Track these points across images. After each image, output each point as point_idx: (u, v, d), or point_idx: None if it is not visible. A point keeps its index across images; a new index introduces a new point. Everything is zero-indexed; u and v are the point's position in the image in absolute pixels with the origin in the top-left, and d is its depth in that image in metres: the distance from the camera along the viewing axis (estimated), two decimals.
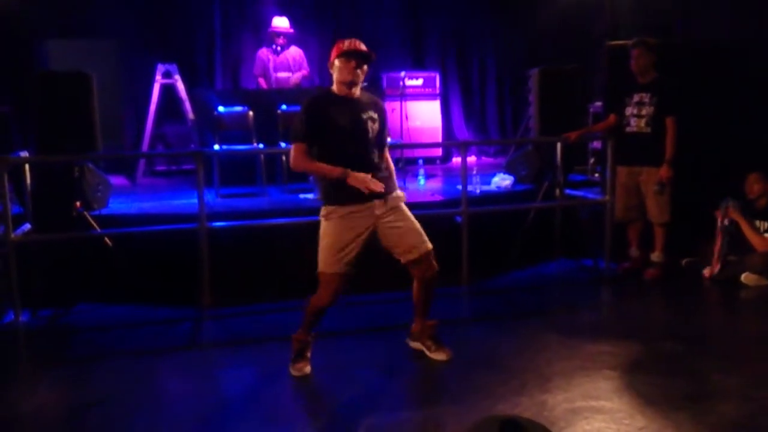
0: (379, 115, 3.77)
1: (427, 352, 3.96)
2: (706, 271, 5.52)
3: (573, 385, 3.57)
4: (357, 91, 3.71)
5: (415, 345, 4.05)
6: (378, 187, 3.55)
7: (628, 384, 3.60)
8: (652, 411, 3.27)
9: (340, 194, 3.62)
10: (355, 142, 3.64)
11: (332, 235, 3.64)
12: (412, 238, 3.72)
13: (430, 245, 3.76)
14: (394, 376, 3.81)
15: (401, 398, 3.56)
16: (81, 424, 3.32)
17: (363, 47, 3.66)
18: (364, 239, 3.67)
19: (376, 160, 3.73)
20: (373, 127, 3.70)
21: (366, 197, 3.59)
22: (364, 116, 3.69)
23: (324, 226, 3.70)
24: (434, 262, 3.80)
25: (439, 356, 3.93)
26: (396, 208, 3.74)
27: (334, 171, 3.56)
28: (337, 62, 3.65)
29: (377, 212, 3.66)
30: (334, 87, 3.72)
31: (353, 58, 3.61)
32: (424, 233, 3.78)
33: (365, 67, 3.67)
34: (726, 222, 5.47)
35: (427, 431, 3.20)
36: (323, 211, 3.72)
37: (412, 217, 3.80)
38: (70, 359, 4.27)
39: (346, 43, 3.64)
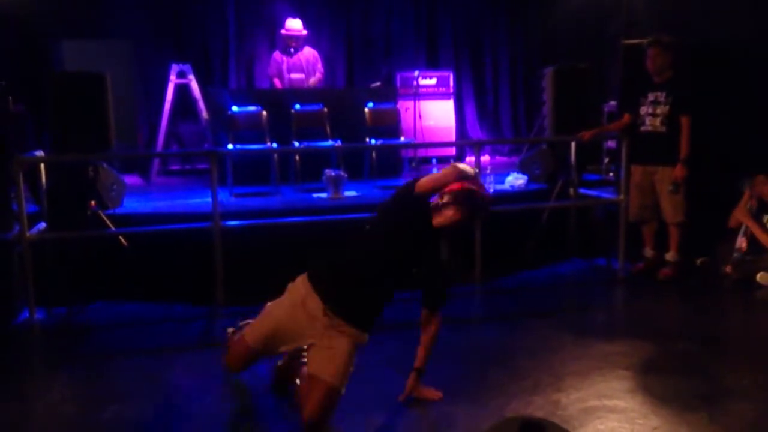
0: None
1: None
2: (728, 268, 5.48)
3: (587, 385, 3.56)
4: None
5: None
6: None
7: (642, 384, 3.58)
8: (666, 411, 3.25)
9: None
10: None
11: None
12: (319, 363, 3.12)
13: (326, 386, 3.07)
14: (408, 374, 3.80)
15: (414, 396, 3.55)
16: (96, 421, 3.34)
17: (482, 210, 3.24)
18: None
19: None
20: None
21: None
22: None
23: None
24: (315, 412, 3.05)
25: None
26: (336, 333, 3.15)
27: None
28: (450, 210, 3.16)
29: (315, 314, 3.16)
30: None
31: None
32: (335, 373, 3.07)
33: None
34: (753, 203, 5.49)
35: (440, 430, 3.20)
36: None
37: (339, 356, 3.11)
38: (85, 357, 4.29)
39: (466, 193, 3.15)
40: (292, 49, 7.79)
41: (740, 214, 5.52)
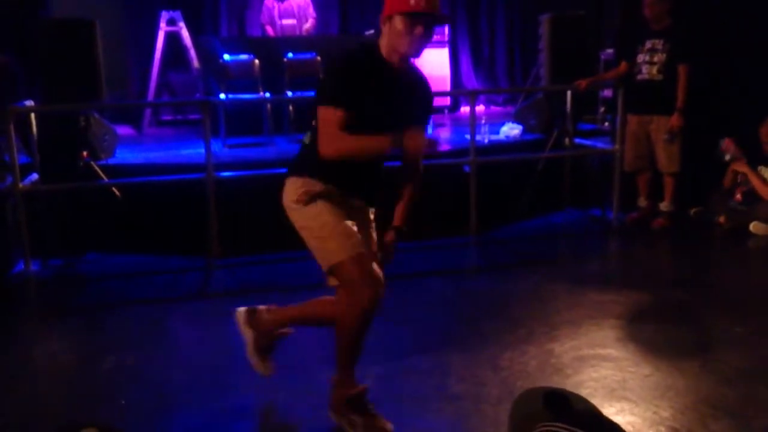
0: (420, 104, 2.82)
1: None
2: (722, 218, 5.50)
3: (580, 334, 3.59)
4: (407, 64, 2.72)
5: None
6: None
7: (635, 332, 3.63)
8: (657, 359, 3.30)
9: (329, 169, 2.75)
10: (376, 126, 2.60)
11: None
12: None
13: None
14: (404, 324, 3.83)
15: (411, 346, 3.58)
16: (93, 372, 3.37)
17: (437, 8, 2.60)
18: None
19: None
20: (402, 117, 2.66)
21: (349, 191, 2.82)
22: (401, 98, 2.70)
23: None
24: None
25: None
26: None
27: (382, 140, 2.56)
28: (397, 22, 2.55)
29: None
30: (383, 49, 2.65)
31: (421, 22, 2.55)
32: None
33: (431, 34, 2.62)
34: (727, 158, 5.47)
35: (435, 378, 3.24)
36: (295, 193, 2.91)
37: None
38: (82, 307, 4.32)
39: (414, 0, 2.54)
40: None
41: (740, 165, 5.48)
